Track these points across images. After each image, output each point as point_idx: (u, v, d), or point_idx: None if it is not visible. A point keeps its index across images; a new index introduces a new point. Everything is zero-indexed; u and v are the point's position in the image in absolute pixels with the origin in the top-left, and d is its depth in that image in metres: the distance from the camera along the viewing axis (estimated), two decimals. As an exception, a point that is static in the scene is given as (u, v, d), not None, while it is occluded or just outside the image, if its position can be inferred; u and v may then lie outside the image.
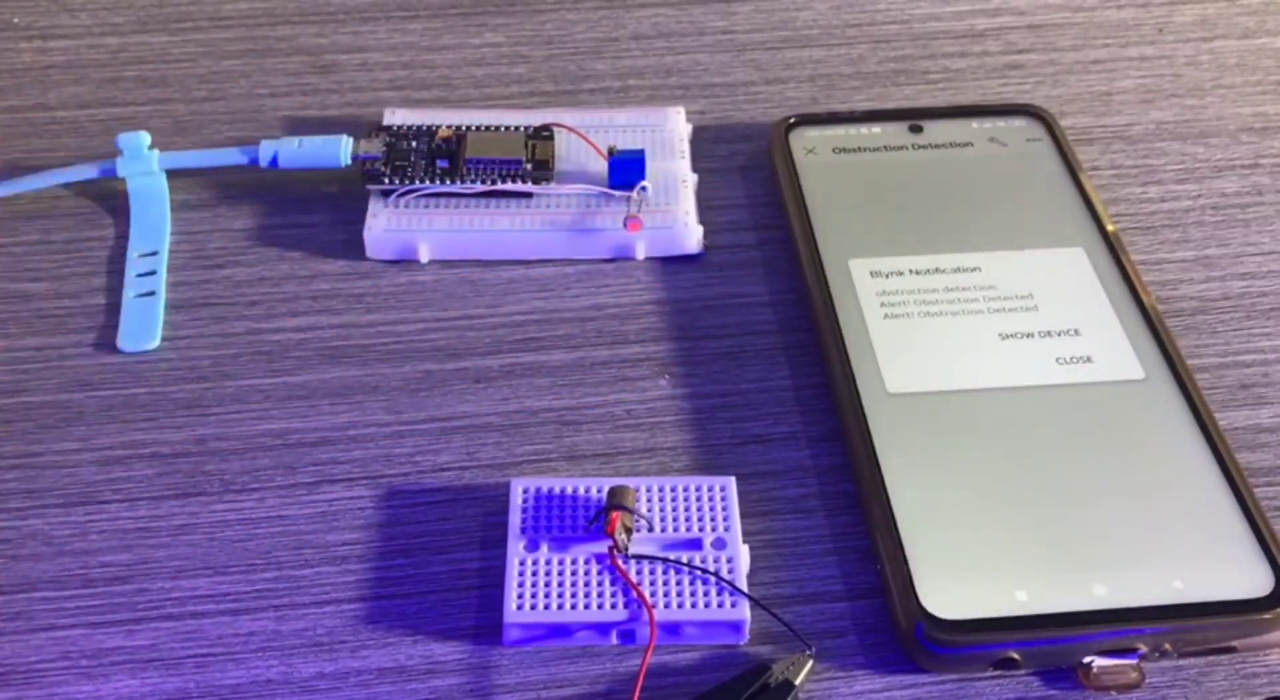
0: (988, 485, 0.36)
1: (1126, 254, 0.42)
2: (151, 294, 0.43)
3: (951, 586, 0.34)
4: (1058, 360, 0.39)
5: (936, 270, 0.42)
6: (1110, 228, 0.43)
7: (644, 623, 0.34)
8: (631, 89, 0.50)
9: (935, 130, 0.47)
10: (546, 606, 0.34)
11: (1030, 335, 0.40)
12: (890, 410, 0.38)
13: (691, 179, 0.45)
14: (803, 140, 0.46)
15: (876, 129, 0.47)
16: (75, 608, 0.35)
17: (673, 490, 0.36)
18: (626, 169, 0.44)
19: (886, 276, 0.41)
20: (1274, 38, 0.53)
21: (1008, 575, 0.34)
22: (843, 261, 0.42)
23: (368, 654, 0.34)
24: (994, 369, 0.39)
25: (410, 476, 0.38)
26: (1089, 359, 0.39)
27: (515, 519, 0.36)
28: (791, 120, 0.47)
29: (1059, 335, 0.40)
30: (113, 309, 0.42)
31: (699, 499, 0.36)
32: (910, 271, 0.42)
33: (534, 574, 0.35)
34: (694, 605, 0.34)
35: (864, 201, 0.44)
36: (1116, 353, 0.39)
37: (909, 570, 0.34)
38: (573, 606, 0.34)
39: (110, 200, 0.46)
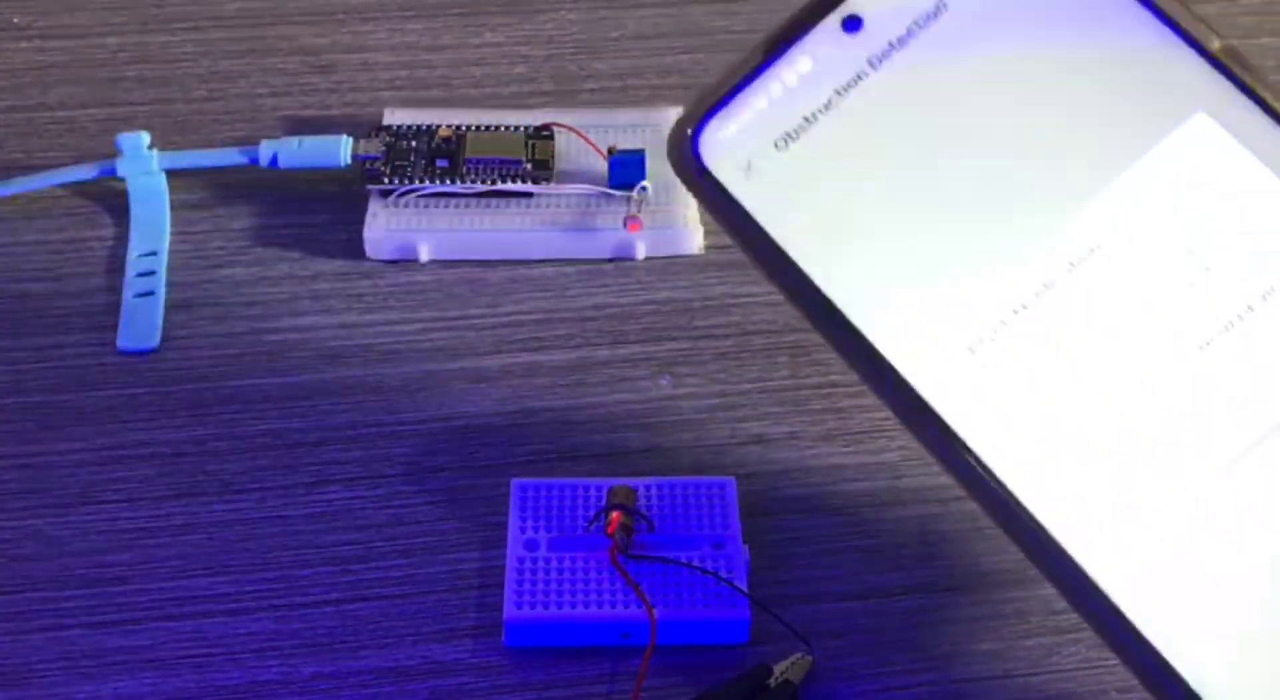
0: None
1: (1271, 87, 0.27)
2: (151, 294, 0.43)
3: None
4: None
5: (1046, 286, 0.27)
6: (1217, 45, 0.27)
7: (644, 623, 0.34)
8: (631, 88, 0.50)
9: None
10: (546, 606, 0.34)
11: (1229, 326, 0.27)
12: None
13: (692, 179, 0.45)
14: (724, 154, 0.28)
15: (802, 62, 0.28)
16: (75, 608, 0.35)
17: (673, 490, 0.36)
18: (626, 169, 0.44)
19: (973, 351, 0.27)
20: (1274, 37, 0.53)
21: None
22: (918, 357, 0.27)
23: (367, 654, 0.34)
24: (1212, 411, 0.27)
25: (410, 476, 0.38)
26: None
27: (515, 519, 0.36)
28: (689, 121, 0.28)
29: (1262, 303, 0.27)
30: (112, 309, 0.42)
31: (699, 499, 0.36)
32: (1003, 318, 0.27)
33: (534, 574, 0.35)
34: (694, 605, 0.34)
35: (880, 222, 0.28)
36: None
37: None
38: (573, 606, 0.34)
39: (110, 200, 0.46)
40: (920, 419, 0.27)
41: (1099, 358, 0.27)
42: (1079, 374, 0.27)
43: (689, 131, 0.28)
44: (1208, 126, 0.27)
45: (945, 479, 0.29)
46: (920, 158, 0.28)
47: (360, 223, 0.44)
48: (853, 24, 0.28)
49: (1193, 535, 0.26)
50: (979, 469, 0.27)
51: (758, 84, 0.28)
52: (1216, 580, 0.26)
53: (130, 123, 0.48)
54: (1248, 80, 0.27)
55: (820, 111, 0.28)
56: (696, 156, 0.28)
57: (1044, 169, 0.27)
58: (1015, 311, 0.27)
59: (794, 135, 0.28)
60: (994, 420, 0.27)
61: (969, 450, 0.27)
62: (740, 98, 0.28)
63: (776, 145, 0.28)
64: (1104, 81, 0.27)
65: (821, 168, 0.28)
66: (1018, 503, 0.26)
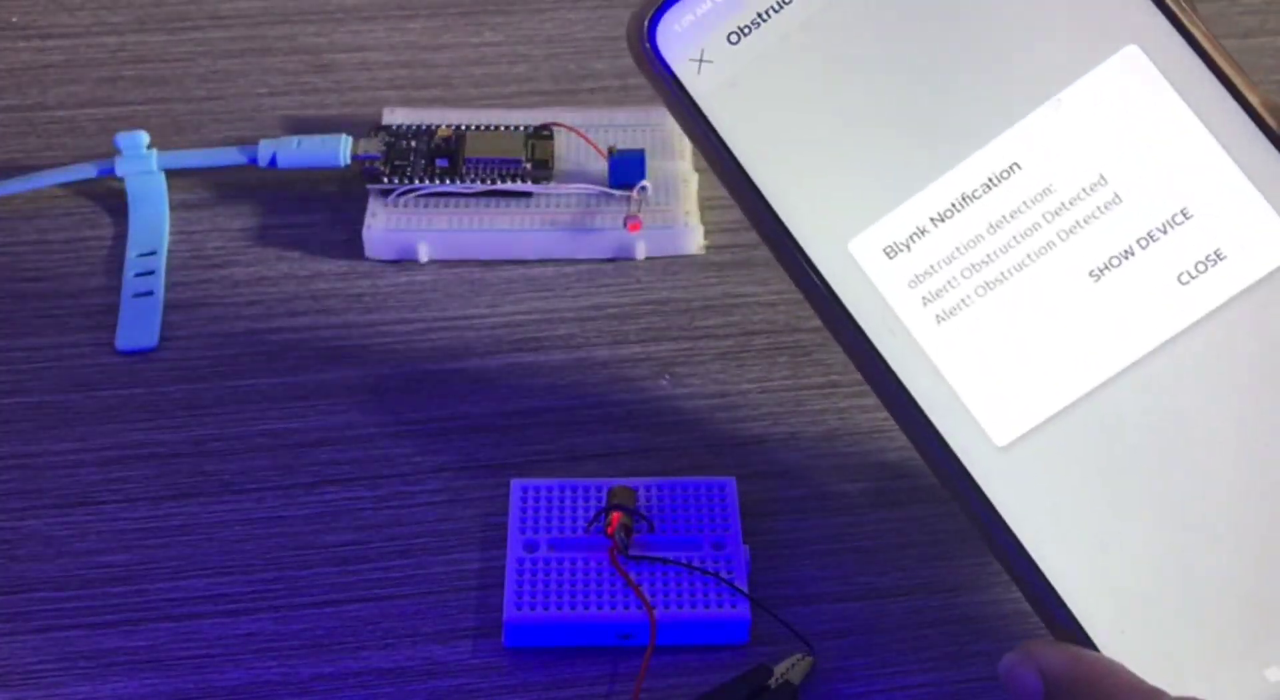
0: (1167, 536, 0.27)
1: (1212, 40, 0.29)
2: (150, 294, 0.43)
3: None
4: (1181, 280, 0.28)
5: (965, 199, 0.29)
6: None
7: (644, 623, 0.34)
8: (632, 88, 0.50)
9: None
10: (546, 607, 0.34)
11: (1128, 253, 0.28)
12: (1009, 469, 0.28)
13: (693, 179, 0.45)
14: (678, 45, 0.29)
15: None
16: (74, 608, 0.35)
17: (673, 490, 0.36)
18: (627, 168, 0.44)
19: (908, 247, 0.29)
20: (1274, 37, 0.52)
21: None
22: (839, 249, 0.29)
23: (367, 655, 0.34)
24: (1101, 336, 0.28)
25: (410, 476, 0.38)
26: (1218, 255, 0.28)
27: (515, 519, 0.36)
28: (648, 9, 0.30)
29: (1165, 231, 0.28)
30: (111, 309, 0.42)
31: (699, 499, 0.36)
32: (934, 219, 0.29)
33: (534, 574, 0.35)
34: (694, 606, 0.34)
35: (817, 122, 0.30)
36: (1254, 221, 0.28)
37: None
38: (572, 607, 0.34)
39: (109, 200, 0.46)
40: (833, 311, 0.29)
41: (1003, 272, 0.29)
42: (982, 284, 0.29)
43: (646, 20, 0.29)
44: (1137, 60, 0.28)
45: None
46: (861, 70, 0.29)
47: (359, 222, 0.44)
48: None
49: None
50: (885, 367, 0.29)
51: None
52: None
53: (129, 122, 0.48)
54: (1182, 18, 0.28)
55: (773, 9, 0.29)
56: (654, 46, 0.29)
57: (976, 90, 0.29)
58: (933, 220, 0.29)
59: (746, 30, 0.29)
60: (904, 315, 0.29)
61: (875, 349, 0.29)
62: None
63: (729, 39, 0.29)
64: (1044, 10, 0.29)
65: (768, 66, 0.29)
66: (912, 399, 0.29)
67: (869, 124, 0.29)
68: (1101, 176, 0.29)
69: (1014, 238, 0.29)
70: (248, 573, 0.36)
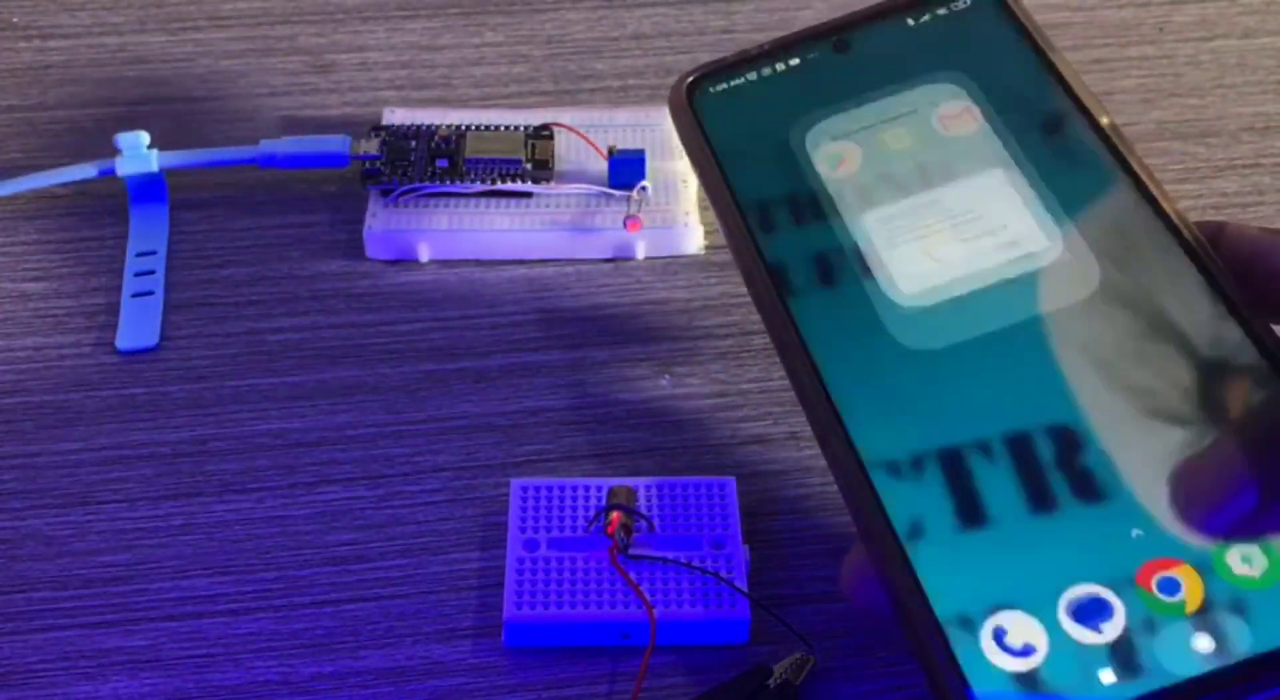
0: None
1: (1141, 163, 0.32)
2: (150, 294, 0.43)
3: None
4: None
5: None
6: (1104, 120, 0.33)
7: (644, 623, 0.34)
8: (631, 88, 0.50)
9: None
10: (546, 607, 0.34)
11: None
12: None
13: (692, 179, 0.45)
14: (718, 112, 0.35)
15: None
16: (74, 608, 0.35)
17: (673, 490, 0.36)
18: (626, 168, 0.44)
19: None
20: (1275, 37, 0.52)
21: None
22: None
23: (367, 655, 0.34)
24: None
25: (410, 476, 0.38)
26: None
27: (515, 519, 0.36)
28: (691, 80, 0.35)
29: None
30: (111, 309, 0.42)
31: (699, 499, 0.36)
32: None
33: (534, 574, 0.35)
34: (694, 606, 0.34)
35: None
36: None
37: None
38: (572, 607, 0.34)
39: (109, 200, 0.46)
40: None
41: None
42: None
43: (691, 78, 0.35)
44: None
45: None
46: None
47: (360, 222, 0.44)
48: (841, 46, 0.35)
49: None
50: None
51: (753, 63, 0.35)
52: None
53: (129, 122, 0.48)
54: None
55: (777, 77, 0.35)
56: (691, 99, 0.35)
57: None
58: None
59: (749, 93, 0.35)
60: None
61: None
62: (737, 69, 0.35)
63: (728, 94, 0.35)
64: None
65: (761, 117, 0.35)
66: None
67: None
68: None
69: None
70: (248, 573, 0.36)
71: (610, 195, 0.44)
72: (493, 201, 0.44)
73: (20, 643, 0.34)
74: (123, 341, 0.41)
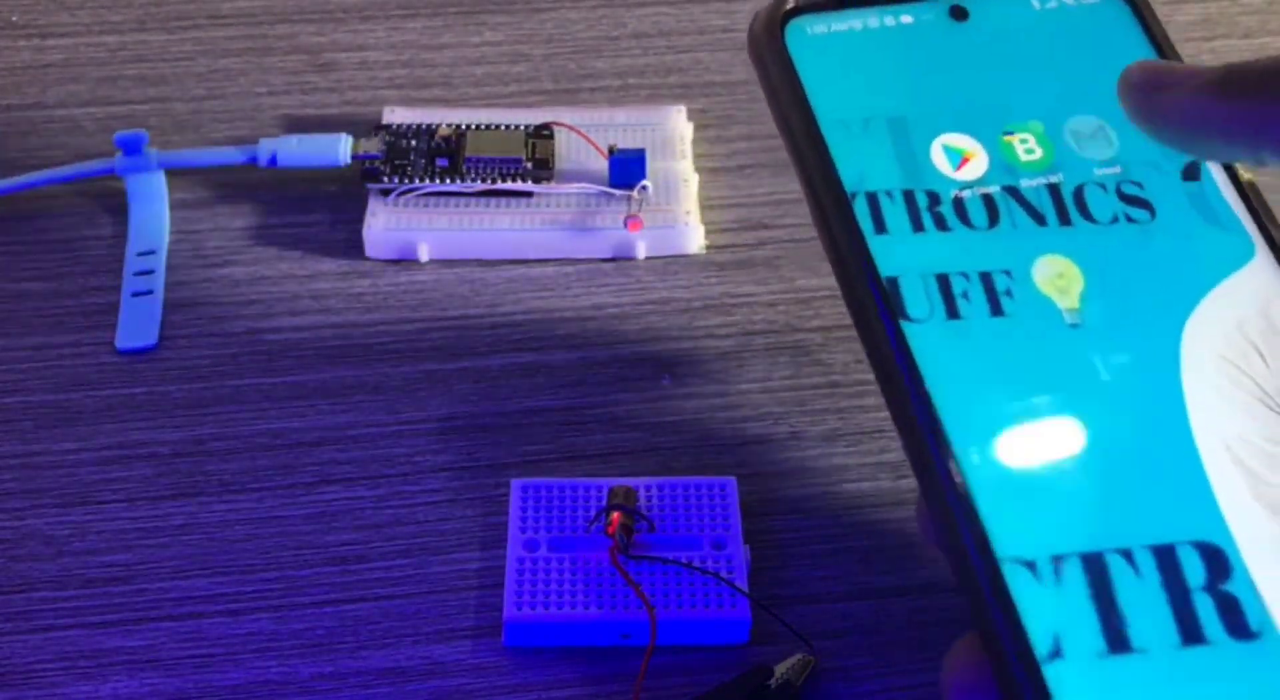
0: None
1: None
2: (150, 293, 0.43)
3: None
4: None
5: None
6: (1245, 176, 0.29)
7: (644, 623, 0.34)
8: (632, 88, 0.50)
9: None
10: (546, 607, 0.34)
11: None
12: None
13: (693, 178, 0.45)
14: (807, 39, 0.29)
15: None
16: (74, 608, 0.35)
17: (673, 490, 0.36)
18: (627, 168, 0.44)
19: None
20: (1276, 37, 0.52)
21: None
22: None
23: (367, 655, 0.34)
24: None
25: (410, 476, 0.38)
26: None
27: (515, 519, 0.36)
28: (789, 5, 0.29)
29: None
30: (111, 308, 0.42)
31: (700, 499, 0.36)
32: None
33: (534, 574, 0.35)
34: (694, 606, 0.34)
35: None
36: None
37: None
38: (573, 607, 0.34)
39: (108, 199, 0.46)
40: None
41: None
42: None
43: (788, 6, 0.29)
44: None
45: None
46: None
47: (360, 222, 0.44)
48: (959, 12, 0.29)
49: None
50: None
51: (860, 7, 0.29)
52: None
53: (129, 121, 0.48)
54: None
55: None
56: (782, 32, 0.29)
57: None
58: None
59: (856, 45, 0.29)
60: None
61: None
62: (840, 10, 0.29)
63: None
64: None
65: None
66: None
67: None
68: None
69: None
70: (248, 572, 0.36)
71: (611, 195, 0.44)
72: (493, 201, 0.44)
73: (19, 643, 0.34)
74: (122, 341, 0.41)
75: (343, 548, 0.36)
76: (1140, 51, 0.29)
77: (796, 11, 0.29)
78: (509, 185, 0.44)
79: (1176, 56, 0.30)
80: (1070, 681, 0.23)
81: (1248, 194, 0.29)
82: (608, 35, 0.52)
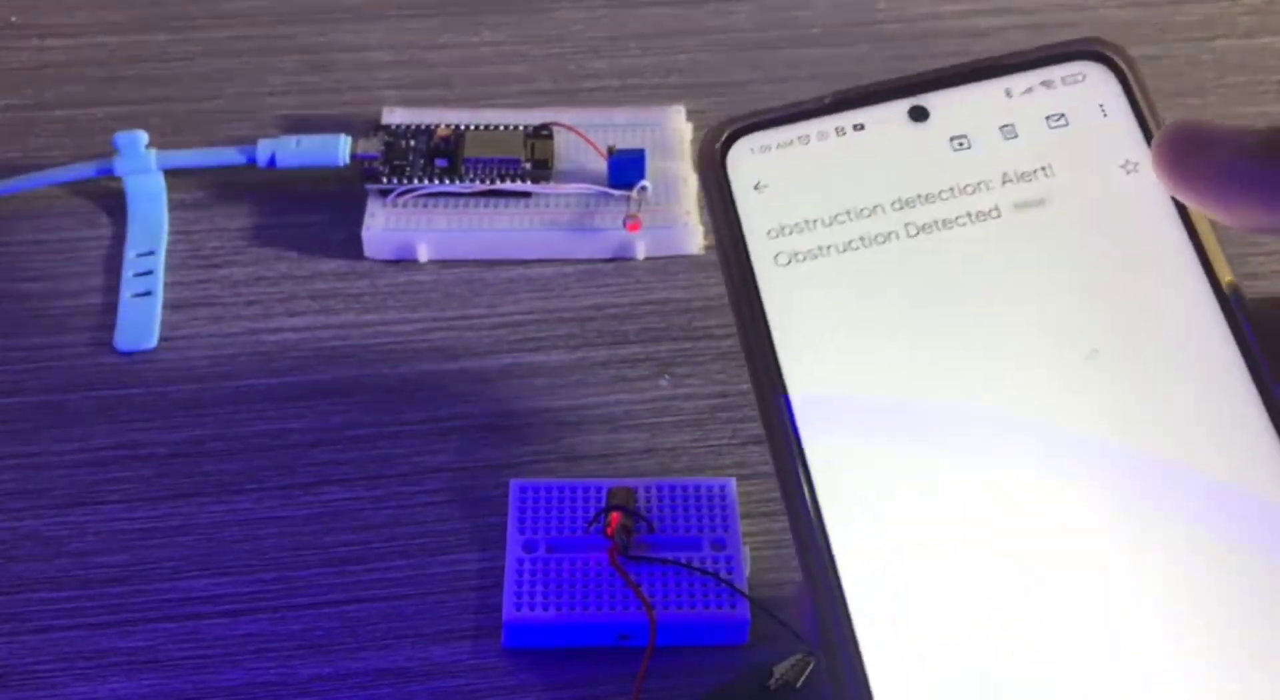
0: None
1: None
2: (149, 294, 0.43)
3: None
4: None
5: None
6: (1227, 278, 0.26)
7: (644, 624, 0.34)
8: (631, 88, 0.50)
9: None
10: (546, 608, 0.34)
11: None
12: None
13: (692, 179, 0.45)
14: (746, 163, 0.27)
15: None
16: (72, 609, 0.35)
17: (673, 491, 0.36)
18: (626, 168, 0.44)
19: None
20: (1276, 37, 0.52)
21: None
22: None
23: (366, 655, 0.34)
24: None
25: (409, 477, 0.38)
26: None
27: (515, 520, 0.36)
28: (725, 136, 0.27)
29: None
30: (110, 309, 0.42)
31: (699, 500, 0.36)
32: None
33: (533, 575, 0.34)
34: (694, 606, 0.34)
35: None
36: None
37: None
38: (572, 607, 0.34)
39: (108, 199, 0.46)
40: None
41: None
42: None
43: (726, 133, 0.27)
44: None
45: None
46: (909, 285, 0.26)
47: (359, 222, 0.44)
48: (919, 114, 0.27)
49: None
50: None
51: (808, 121, 0.27)
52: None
53: (128, 122, 0.48)
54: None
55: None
56: (723, 158, 0.27)
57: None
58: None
59: (813, 176, 0.27)
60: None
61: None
62: (785, 125, 0.27)
63: (789, 179, 0.27)
64: None
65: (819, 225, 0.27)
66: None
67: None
68: None
69: None
70: (246, 573, 0.36)
71: (610, 195, 0.44)
72: (492, 201, 0.44)
73: (18, 643, 0.34)
74: (121, 341, 0.41)
75: (342, 548, 0.36)
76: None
77: (737, 135, 0.27)
78: (508, 185, 0.44)
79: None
80: None
81: None
82: (607, 35, 0.52)
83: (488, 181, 0.44)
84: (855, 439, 0.26)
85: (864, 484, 0.25)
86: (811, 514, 0.25)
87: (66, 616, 0.35)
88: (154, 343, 0.41)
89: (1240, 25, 0.53)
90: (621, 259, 0.44)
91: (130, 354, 0.41)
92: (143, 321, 0.42)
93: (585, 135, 0.45)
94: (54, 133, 0.48)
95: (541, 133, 0.45)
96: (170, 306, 0.42)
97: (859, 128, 0.27)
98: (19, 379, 0.40)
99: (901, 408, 0.25)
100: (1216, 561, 0.23)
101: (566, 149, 0.45)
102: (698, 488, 0.36)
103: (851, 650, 0.23)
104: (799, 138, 0.27)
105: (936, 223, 0.26)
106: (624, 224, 0.43)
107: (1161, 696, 0.22)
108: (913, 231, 0.26)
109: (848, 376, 0.26)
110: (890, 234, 0.26)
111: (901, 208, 0.26)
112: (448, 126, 0.45)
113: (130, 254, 0.44)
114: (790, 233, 0.27)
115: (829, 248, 0.26)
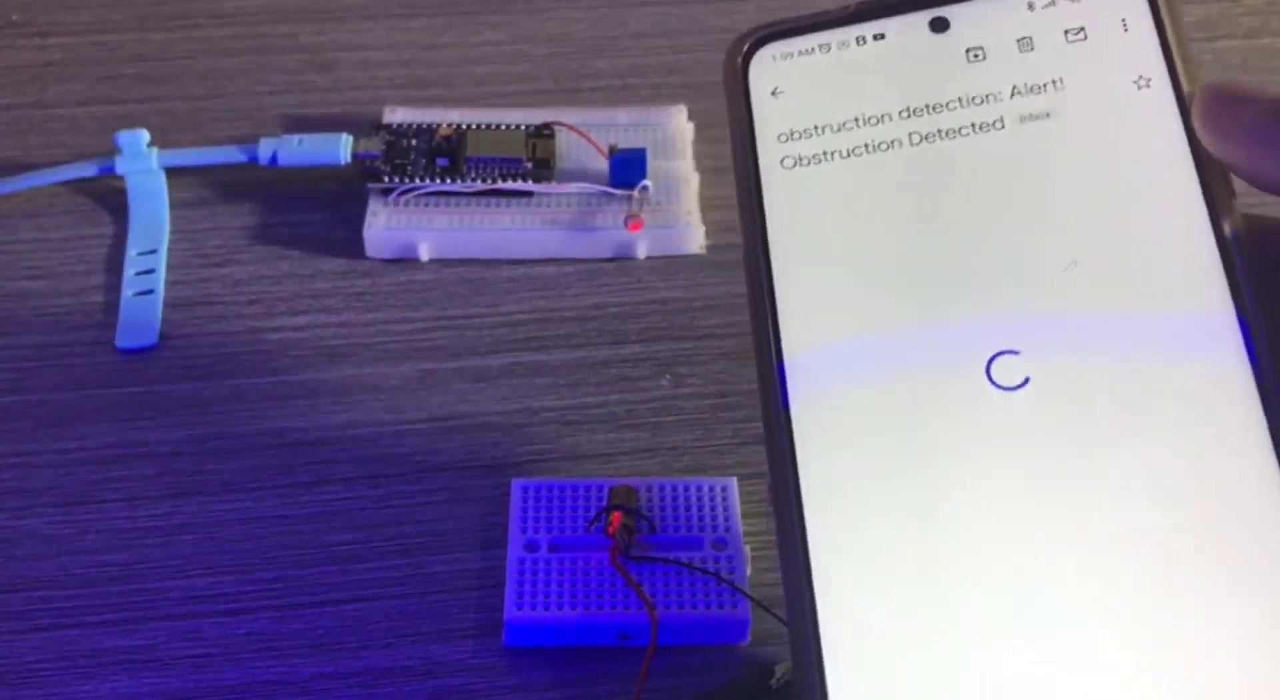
0: None
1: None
2: (150, 292, 0.43)
3: None
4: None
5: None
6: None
7: (645, 624, 0.34)
8: (633, 87, 0.50)
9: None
10: (547, 607, 0.34)
11: None
12: None
13: (694, 178, 0.45)
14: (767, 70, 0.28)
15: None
16: (73, 607, 0.35)
17: (674, 490, 0.36)
18: (628, 168, 0.44)
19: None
20: (1277, 38, 0.52)
21: None
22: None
23: (367, 655, 0.34)
24: None
25: (410, 476, 0.38)
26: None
27: (516, 519, 0.36)
28: (751, 43, 0.28)
29: None
30: (111, 307, 0.42)
31: (700, 499, 0.36)
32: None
33: (534, 574, 0.34)
34: (695, 606, 0.34)
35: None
36: None
37: None
38: (573, 607, 0.34)
39: (109, 198, 0.46)
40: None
41: None
42: None
43: (751, 40, 0.28)
44: None
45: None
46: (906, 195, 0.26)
47: (360, 221, 0.44)
48: (940, 25, 0.27)
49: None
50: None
51: (832, 30, 0.27)
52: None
53: (129, 120, 0.48)
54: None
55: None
56: (746, 65, 0.28)
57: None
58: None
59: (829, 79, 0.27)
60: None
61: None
62: (809, 34, 0.28)
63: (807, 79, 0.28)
64: None
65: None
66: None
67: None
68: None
69: None
70: (248, 572, 0.36)
71: (611, 194, 0.44)
72: (493, 200, 0.44)
73: (19, 642, 0.34)
74: (122, 340, 0.41)
75: (343, 547, 0.36)
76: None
77: (759, 44, 0.28)
78: (509, 185, 0.44)
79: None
80: None
81: None
82: (608, 35, 0.52)
83: (489, 181, 0.44)
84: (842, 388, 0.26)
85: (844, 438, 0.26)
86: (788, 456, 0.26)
87: (68, 615, 0.35)
88: (155, 341, 0.41)
89: (1241, 26, 0.53)
90: (623, 258, 0.44)
91: (131, 352, 0.41)
92: (144, 320, 0.42)
93: (587, 135, 0.45)
94: (55, 131, 0.48)
95: (543, 132, 0.45)
96: (171, 305, 0.42)
97: (879, 37, 0.27)
98: (20, 377, 0.40)
99: (884, 332, 0.25)
100: (1187, 507, 0.22)
101: (568, 148, 0.45)
102: (699, 487, 0.36)
103: (814, 648, 0.23)
104: (820, 46, 0.27)
105: (939, 132, 0.26)
106: (625, 223, 0.43)
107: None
108: (915, 140, 0.26)
109: (838, 289, 0.26)
110: (894, 142, 0.26)
111: (909, 117, 0.26)
112: (449, 126, 0.45)
113: (131, 252, 0.44)
114: (799, 137, 0.27)
115: (833, 153, 0.27)
